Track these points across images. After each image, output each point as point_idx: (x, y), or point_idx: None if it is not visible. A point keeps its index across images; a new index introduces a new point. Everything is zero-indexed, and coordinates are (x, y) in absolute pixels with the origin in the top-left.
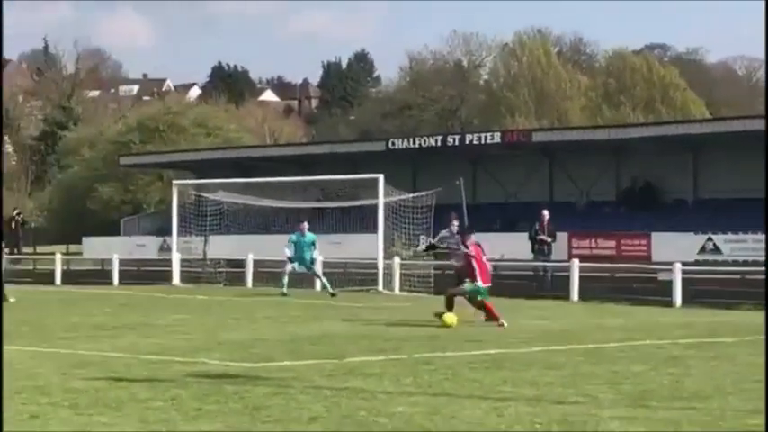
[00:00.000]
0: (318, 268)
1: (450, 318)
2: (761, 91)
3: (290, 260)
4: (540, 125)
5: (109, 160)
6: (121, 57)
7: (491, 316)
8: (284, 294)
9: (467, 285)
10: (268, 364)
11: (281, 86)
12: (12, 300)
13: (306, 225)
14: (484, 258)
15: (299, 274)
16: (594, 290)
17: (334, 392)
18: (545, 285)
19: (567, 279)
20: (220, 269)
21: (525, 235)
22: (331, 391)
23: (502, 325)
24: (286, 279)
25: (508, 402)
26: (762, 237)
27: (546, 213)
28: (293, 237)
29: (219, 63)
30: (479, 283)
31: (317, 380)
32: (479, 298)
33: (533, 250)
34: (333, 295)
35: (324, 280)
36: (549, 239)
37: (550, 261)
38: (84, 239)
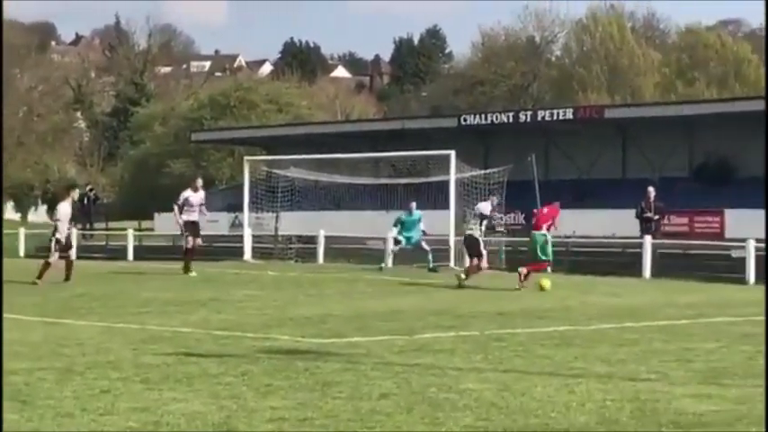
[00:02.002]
0: (425, 244)
1: (546, 282)
2: None
3: (396, 242)
4: (612, 101)
5: (181, 136)
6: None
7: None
8: (381, 269)
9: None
10: (338, 341)
11: (352, 63)
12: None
13: (414, 204)
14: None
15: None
16: (667, 267)
17: (405, 369)
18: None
19: (639, 255)
20: (291, 245)
21: (597, 212)
22: (401, 367)
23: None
24: (391, 258)
25: (579, 379)
26: None
27: (652, 190)
28: (402, 216)
29: (291, 39)
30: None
31: (387, 356)
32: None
33: (642, 229)
34: (434, 270)
35: (430, 256)
36: (656, 216)
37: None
38: (156, 215)
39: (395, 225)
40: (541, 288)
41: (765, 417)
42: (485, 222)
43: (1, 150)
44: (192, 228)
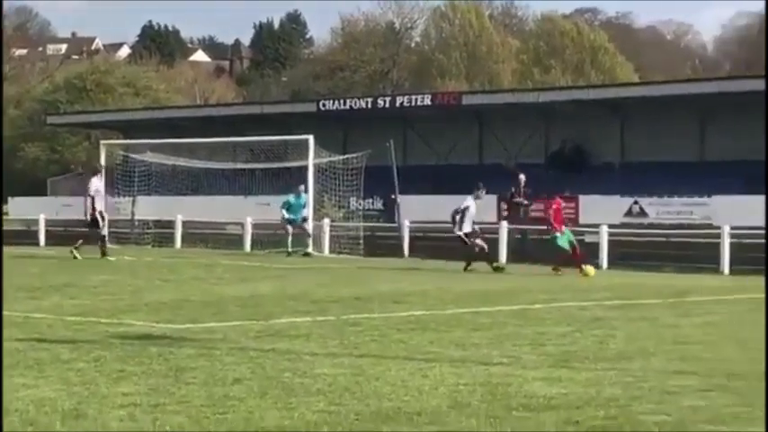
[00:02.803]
0: (309, 226)
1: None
2: (688, 55)
3: (288, 222)
4: (471, 88)
5: (35, 119)
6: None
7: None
8: (289, 254)
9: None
10: (194, 326)
11: (212, 47)
12: None
13: (303, 187)
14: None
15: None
16: (523, 252)
17: (260, 354)
18: (525, 248)
19: (496, 241)
20: (148, 230)
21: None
22: (256, 352)
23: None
24: (290, 239)
25: (433, 363)
26: (687, 200)
27: (523, 177)
28: (290, 198)
29: (150, 22)
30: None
31: (242, 341)
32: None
33: (508, 214)
34: (307, 254)
35: (310, 239)
36: (526, 202)
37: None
38: (9, 199)
39: (283, 207)
40: (587, 275)
41: (765, 417)
42: (459, 217)
43: (1, 150)
44: (102, 215)
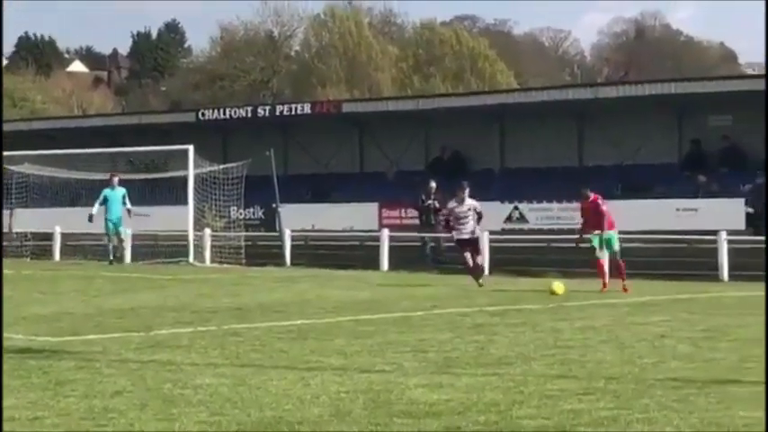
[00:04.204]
0: (123, 232)
1: (558, 287)
2: (567, 62)
3: (90, 219)
4: (351, 96)
5: None
6: None
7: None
8: (112, 262)
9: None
10: (73, 338)
11: (89, 57)
12: None
13: (117, 179)
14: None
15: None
16: (404, 259)
17: (140, 366)
18: (438, 257)
19: (377, 249)
20: (27, 242)
21: (335, 206)
22: (137, 364)
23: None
24: (111, 247)
25: (314, 372)
26: (567, 205)
27: (434, 184)
28: (107, 191)
29: (26, 33)
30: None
31: (123, 353)
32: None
33: (421, 221)
34: (111, 263)
35: (113, 246)
36: (438, 207)
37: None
38: None
39: (100, 203)
40: (555, 293)
41: (765, 417)
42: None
43: (1, 149)
44: None
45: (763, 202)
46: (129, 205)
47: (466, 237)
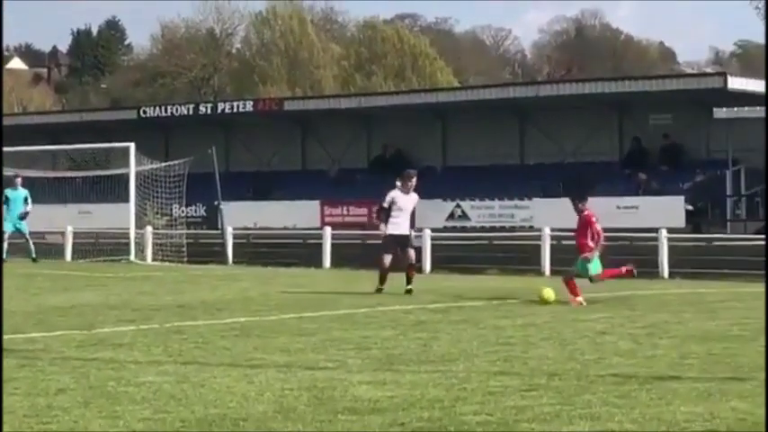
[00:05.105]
0: (26, 228)
1: (548, 293)
2: (507, 60)
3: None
4: (293, 94)
5: None
6: None
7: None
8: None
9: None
10: (15, 337)
11: (29, 54)
12: None
13: (19, 180)
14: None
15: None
16: (346, 257)
17: (83, 363)
18: None
19: (320, 246)
20: None
21: (277, 203)
22: (80, 362)
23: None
24: (6, 245)
25: (258, 369)
26: (508, 203)
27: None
28: (7, 191)
29: None
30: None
31: (65, 351)
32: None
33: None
34: (35, 261)
35: (31, 244)
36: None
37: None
38: None
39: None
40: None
41: (766, 418)
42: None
43: (1, 149)
44: None
45: (702, 200)
46: (29, 207)
47: (402, 233)
